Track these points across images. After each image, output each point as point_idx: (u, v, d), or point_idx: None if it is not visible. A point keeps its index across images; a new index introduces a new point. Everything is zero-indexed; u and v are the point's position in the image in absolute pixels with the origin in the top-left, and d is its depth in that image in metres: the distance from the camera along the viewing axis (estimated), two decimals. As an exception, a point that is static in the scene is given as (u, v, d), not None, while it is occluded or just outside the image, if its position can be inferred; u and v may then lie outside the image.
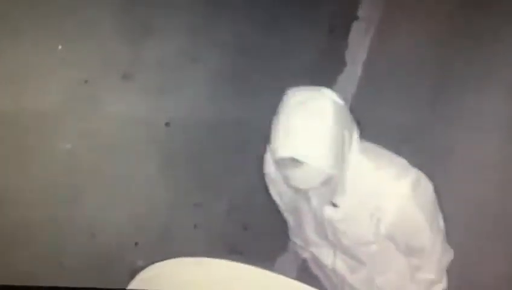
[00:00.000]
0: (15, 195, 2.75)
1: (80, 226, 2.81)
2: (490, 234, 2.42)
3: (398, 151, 2.65)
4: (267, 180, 2.20)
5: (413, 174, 1.94)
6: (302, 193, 2.04)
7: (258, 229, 2.84)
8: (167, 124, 2.93)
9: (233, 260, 1.81)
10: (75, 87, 2.93)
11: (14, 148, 2.83)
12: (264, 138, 2.88)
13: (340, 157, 1.90)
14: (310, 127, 1.88)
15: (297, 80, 2.85)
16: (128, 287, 1.69)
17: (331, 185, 1.94)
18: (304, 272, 2.73)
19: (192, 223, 2.88)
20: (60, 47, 2.96)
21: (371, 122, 2.68)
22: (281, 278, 1.77)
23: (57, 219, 2.79)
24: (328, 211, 1.99)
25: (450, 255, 2.09)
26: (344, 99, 2.70)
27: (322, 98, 1.91)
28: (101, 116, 2.90)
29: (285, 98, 1.96)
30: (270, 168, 2.13)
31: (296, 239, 2.30)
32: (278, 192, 2.19)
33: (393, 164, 1.99)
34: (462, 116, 2.61)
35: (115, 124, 2.90)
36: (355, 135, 1.94)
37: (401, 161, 2.01)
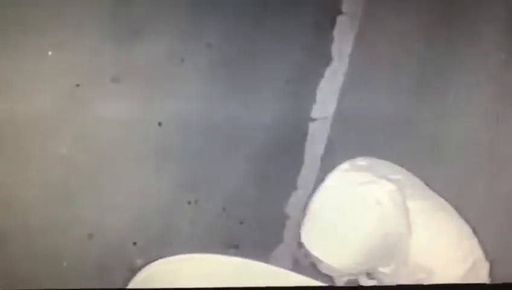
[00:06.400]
0: (13, 200, 2.79)
1: (78, 228, 2.86)
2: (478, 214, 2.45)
3: (388, 141, 2.72)
4: None
5: (470, 260, 1.74)
6: None
7: (254, 223, 2.90)
8: (160, 124, 2.97)
9: (230, 254, 1.86)
10: (67, 91, 2.95)
11: (9, 154, 2.85)
12: (256, 136, 2.93)
13: (377, 256, 1.67)
14: (343, 225, 1.66)
15: (286, 76, 2.94)
16: (129, 287, 1.74)
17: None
18: (298, 264, 2.78)
19: (188, 221, 2.93)
20: (50, 53, 2.98)
21: (360, 114, 2.75)
22: (279, 271, 1.81)
23: (56, 222, 2.83)
24: (362, 281, 1.81)
25: None
26: (332, 93, 2.74)
27: (372, 192, 1.66)
28: (94, 120, 2.93)
29: (334, 172, 1.76)
30: None
31: None
32: None
33: (451, 236, 1.76)
34: (448, 105, 2.68)
35: (108, 127, 2.94)
36: (408, 231, 1.68)
37: (464, 230, 1.80)
